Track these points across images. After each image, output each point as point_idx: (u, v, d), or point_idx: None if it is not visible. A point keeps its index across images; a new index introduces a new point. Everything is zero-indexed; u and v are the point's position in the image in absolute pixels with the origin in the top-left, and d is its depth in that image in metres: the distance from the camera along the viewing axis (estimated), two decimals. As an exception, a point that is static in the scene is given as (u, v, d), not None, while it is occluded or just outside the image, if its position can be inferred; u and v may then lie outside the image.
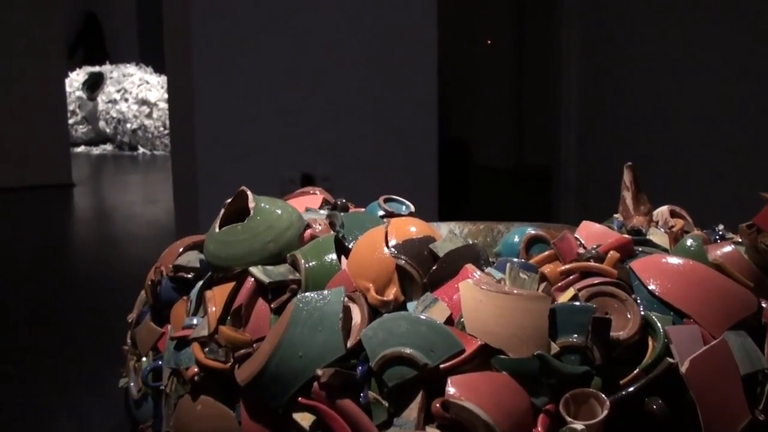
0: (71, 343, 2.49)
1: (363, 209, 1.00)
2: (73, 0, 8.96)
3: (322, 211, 0.97)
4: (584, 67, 3.52)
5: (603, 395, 0.66)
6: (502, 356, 0.68)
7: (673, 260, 0.77)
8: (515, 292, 0.70)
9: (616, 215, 1.00)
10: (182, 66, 2.75)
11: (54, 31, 5.55)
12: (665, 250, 0.84)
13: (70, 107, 7.56)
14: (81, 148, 7.84)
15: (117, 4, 9.52)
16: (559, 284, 0.76)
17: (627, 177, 0.99)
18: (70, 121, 7.46)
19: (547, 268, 0.78)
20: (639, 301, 0.73)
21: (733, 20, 2.80)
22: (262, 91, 2.70)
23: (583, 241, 0.84)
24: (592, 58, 3.49)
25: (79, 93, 7.98)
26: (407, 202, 1.01)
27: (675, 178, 2.99)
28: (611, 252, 0.78)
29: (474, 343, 0.68)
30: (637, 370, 0.69)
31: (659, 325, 0.70)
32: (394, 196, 1.01)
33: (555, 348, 0.68)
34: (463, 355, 0.68)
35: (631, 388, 0.67)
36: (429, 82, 2.90)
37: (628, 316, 0.71)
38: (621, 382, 0.68)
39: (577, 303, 0.71)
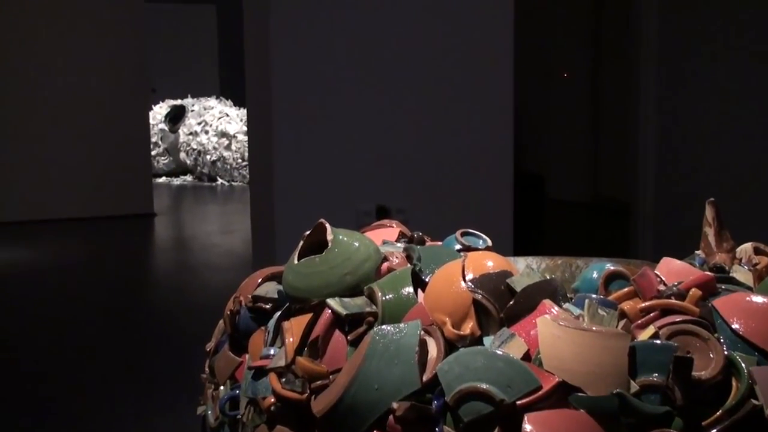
0: (150, 370, 2.54)
1: (440, 243, 1.00)
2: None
3: (399, 244, 0.97)
4: (662, 101, 3.47)
5: (684, 437, 0.65)
6: (580, 394, 0.67)
7: (758, 299, 0.75)
8: (594, 328, 0.70)
9: (697, 252, 0.98)
10: (262, 99, 2.81)
11: (138, 66, 5.72)
12: (749, 289, 0.82)
13: (153, 139, 7.78)
14: (162, 179, 8.05)
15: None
16: (639, 321, 0.75)
17: (709, 213, 0.97)
18: (153, 153, 7.67)
19: (626, 305, 0.76)
20: (722, 340, 0.72)
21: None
22: (338, 124, 2.73)
23: (663, 278, 0.83)
24: (670, 92, 3.43)
25: (161, 125, 8.21)
26: (484, 236, 1.01)
27: (758, 214, 2.91)
28: (693, 289, 0.76)
29: (551, 380, 0.68)
30: (720, 411, 0.67)
31: (743, 365, 0.68)
32: (471, 230, 1.01)
33: (635, 387, 0.67)
34: (540, 392, 0.67)
35: (714, 430, 0.66)
36: (505, 115, 2.89)
37: (711, 355, 0.69)
38: (703, 423, 0.67)
39: (658, 341, 0.70)
